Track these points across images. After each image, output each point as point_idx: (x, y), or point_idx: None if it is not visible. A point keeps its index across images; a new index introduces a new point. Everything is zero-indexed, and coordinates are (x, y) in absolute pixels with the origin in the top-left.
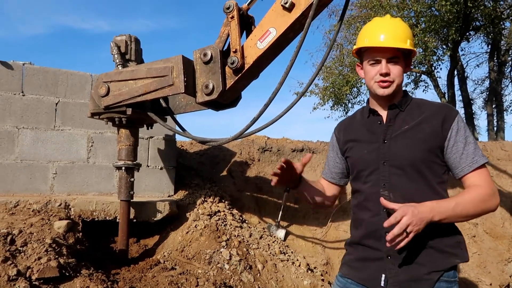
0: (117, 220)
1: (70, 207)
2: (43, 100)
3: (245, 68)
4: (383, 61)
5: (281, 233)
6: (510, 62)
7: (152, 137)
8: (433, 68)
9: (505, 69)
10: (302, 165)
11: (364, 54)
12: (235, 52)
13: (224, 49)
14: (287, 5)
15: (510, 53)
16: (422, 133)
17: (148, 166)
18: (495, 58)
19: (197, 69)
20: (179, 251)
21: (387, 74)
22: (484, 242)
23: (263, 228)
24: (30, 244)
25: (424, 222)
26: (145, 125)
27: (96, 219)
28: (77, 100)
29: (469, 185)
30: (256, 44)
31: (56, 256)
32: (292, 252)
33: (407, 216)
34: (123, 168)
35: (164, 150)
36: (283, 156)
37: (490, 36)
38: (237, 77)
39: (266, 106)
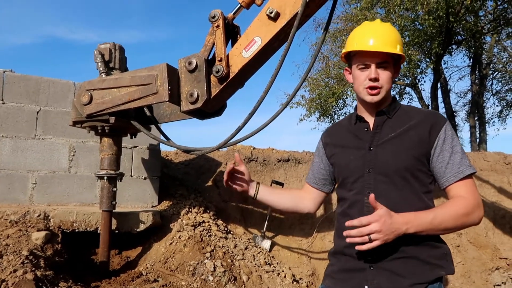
0: (99, 231)
1: (49, 217)
2: (23, 108)
3: (230, 77)
4: (372, 66)
5: (266, 243)
6: (491, 75)
7: (136, 146)
8: (417, 80)
9: (487, 82)
10: (239, 162)
11: (353, 58)
12: (220, 60)
13: (209, 58)
14: (272, 15)
15: (491, 66)
16: (409, 140)
17: (131, 176)
18: (476, 72)
19: (181, 78)
20: (162, 262)
21: (376, 79)
22: (468, 252)
23: (248, 239)
24: (5, 256)
25: (395, 233)
26: (128, 134)
27: (77, 230)
28: (59, 109)
29: (453, 196)
30: (242, 53)
31: (33, 269)
32: (277, 263)
33: (376, 224)
34: (105, 177)
35: (148, 160)
36: (269, 167)
37: (471, 50)
38: (222, 86)
39: (251, 114)
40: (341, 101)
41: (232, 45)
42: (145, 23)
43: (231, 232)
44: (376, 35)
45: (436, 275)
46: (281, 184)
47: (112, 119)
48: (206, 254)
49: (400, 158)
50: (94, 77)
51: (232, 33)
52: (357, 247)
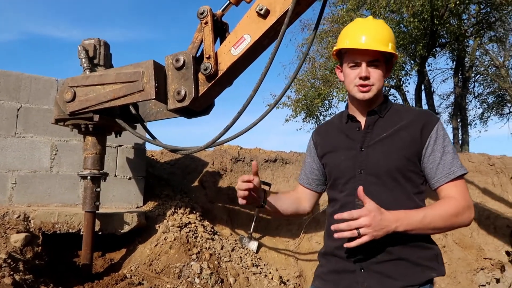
0: (81, 233)
1: (29, 219)
2: (3, 105)
3: (219, 75)
4: (363, 64)
5: (253, 245)
6: (473, 78)
7: (121, 145)
8: (401, 82)
9: (469, 85)
10: (254, 174)
11: (344, 56)
12: (208, 58)
13: (197, 55)
14: (262, 12)
15: (473, 69)
16: (401, 140)
17: (116, 176)
18: (459, 74)
19: (168, 75)
20: (147, 265)
21: (366, 78)
22: (454, 252)
23: (235, 240)
24: None
25: (384, 230)
26: (113, 133)
27: (58, 231)
28: (41, 106)
29: (444, 197)
30: (230, 51)
31: (11, 273)
32: (264, 265)
33: (366, 218)
34: (89, 177)
35: (133, 159)
36: None
37: (455, 53)
38: (210, 84)
39: (240, 113)
40: (326, 102)
41: (221, 43)
42: (132, 21)
43: (218, 233)
44: (368, 33)
45: (427, 277)
46: (269, 185)
47: (96, 117)
48: (192, 256)
49: (391, 159)
50: (78, 75)
51: (220, 30)
52: (346, 245)
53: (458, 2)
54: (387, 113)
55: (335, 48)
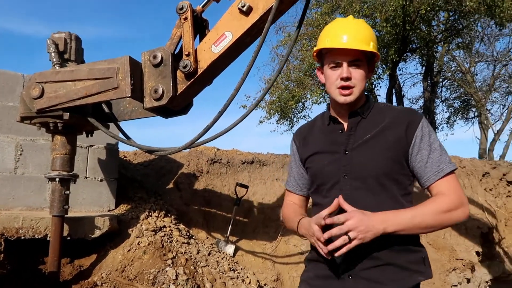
0: (48, 238)
1: None
2: None
3: (199, 73)
4: (344, 64)
5: (230, 248)
6: (441, 83)
7: (92, 145)
8: (373, 86)
9: (437, 89)
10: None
11: (325, 56)
12: (188, 55)
13: (175, 52)
14: (244, 9)
15: (441, 74)
16: (385, 141)
17: (86, 178)
18: (428, 79)
19: (145, 72)
20: (120, 271)
21: (348, 79)
22: (428, 254)
23: (212, 244)
24: None
25: (372, 232)
26: (84, 133)
27: (23, 237)
28: (5, 103)
29: (435, 195)
30: (211, 48)
31: None
32: (241, 269)
33: (353, 220)
34: (57, 179)
35: (105, 160)
36: (233, 169)
37: (424, 58)
38: (189, 82)
39: (221, 113)
40: (300, 104)
41: (200, 40)
42: (103, 18)
43: (194, 237)
44: (349, 32)
45: (415, 281)
46: (246, 187)
47: (66, 115)
48: (167, 261)
49: (377, 162)
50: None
51: (200, 27)
52: (337, 253)
53: (428, 8)
54: (369, 113)
55: (315, 48)
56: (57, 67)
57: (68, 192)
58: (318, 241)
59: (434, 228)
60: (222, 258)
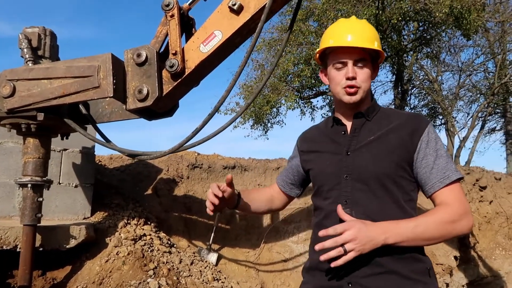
0: (18, 249)
1: None
2: None
3: (186, 73)
4: (350, 64)
5: (213, 257)
6: (411, 91)
7: (66, 149)
8: None
9: (407, 97)
10: (228, 185)
11: (328, 57)
12: (174, 54)
13: (160, 51)
14: (235, 7)
15: (411, 83)
16: (389, 144)
17: (60, 183)
18: (399, 87)
19: (128, 71)
20: (97, 284)
21: (353, 78)
22: None
23: (194, 253)
24: None
25: (371, 243)
26: (59, 135)
27: None
28: None
29: (439, 204)
30: (199, 48)
31: None
32: (225, 278)
33: (350, 231)
34: (29, 185)
35: (81, 165)
36: (214, 174)
37: (395, 67)
38: (176, 83)
39: (211, 116)
40: (274, 109)
41: (187, 39)
42: (69, 20)
43: (175, 246)
44: (353, 31)
45: None
46: None
47: (40, 116)
48: (149, 272)
49: (380, 163)
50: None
51: (187, 25)
52: (332, 264)
53: (400, 18)
54: (374, 116)
55: (318, 49)
56: (30, 64)
57: (41, 199)
58: (209, 199)
59: (437, 240)
60: (205, 267)
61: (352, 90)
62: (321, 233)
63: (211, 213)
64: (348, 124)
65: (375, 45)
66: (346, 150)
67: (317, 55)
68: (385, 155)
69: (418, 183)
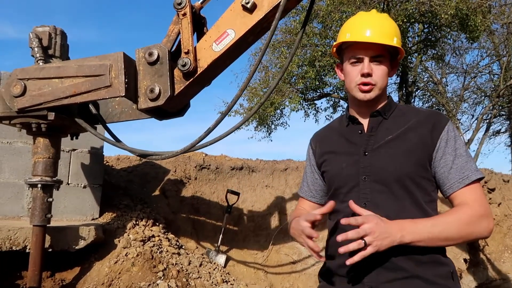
0: (28, 250)
1: None
2: None
3: (198, 72)
4: (366, 60)
5: (221, 258)
6: (415, 92)
7: (75, 149)
8: None
9: (411, 99)
10: (321, 215)
11: (345, 52)
12: (187, 53)
13: (172, 50)
14: (248, 6)
15: (415, 84)
16: (409, 143)
17: (68, 184)
18: (403, 89)
19: (139, 70)
20: (106, 285)
21: (369, 75)
22: None
23: (202, 254)
24: None
25: (388, 239)
26: (69, 135)
27: None
28: None
29: (458, 204)
30: (212, 46)
31: None
32: (234, 280)
33: (370, 224)
34: (39, 185)
35: (89, 165)
36: (222, 175)
37: (399, 68)
38: (188, 82)
39: (224, 115)
40: (278, 111)
41: (198, 38)
42: (71, 22)
43: (183, 247)
44: (372, 26)
45: None
46: (237, 194)
47: (51, 115)
48: (158, 274)
49: (400, 164)
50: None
51: (198, 24)
52: (348, 261)
53: (405, 20)
54: (391, 114)
55: (335, 43)
56: (41, 63)
57: (51, 199)
58: (307, 239)
59: (455, 241)
60: (214, 269)
61: (366, 88)
62: (343, 221)
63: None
64: (364, 123)
65: (394, 41)
66: (364, 150)
67: (334, 49)
68: (405, 154)
69: (436, 182)
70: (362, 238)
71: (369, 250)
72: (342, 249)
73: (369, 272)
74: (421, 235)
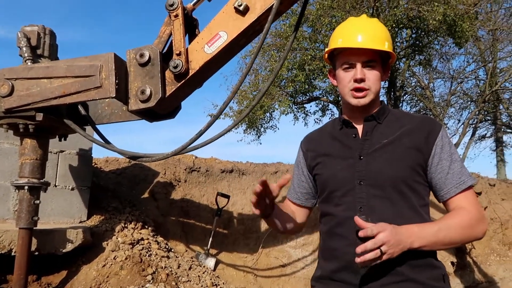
0: (13, 254)
1: None
2: None
3: (190, 74)
4: (358, 65)
5: (210, 262)
6: (403, 97)
7: (63, 151)
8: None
9: (399, 104)
10: (278, 187)
11: (337, 58)
12: (178, 55)
13: (163, 52)
14: (241, 8)
15: (403, 89)
16: (404, 148)
17: (56, 186)
18: (391, 93)
19: (130, 72)
20: None
21: (362, 80)
22: None
23: (191, 257)
24: None
25: (401, 246)
26: (57, 136)
27: None
28: None
29: (454, 209)
30: (203, 48)
31: None
32: (224, 283)
33: (385, 233)
34: (26, 187)
35: (77, 167)
36: (212, 177)
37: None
38: (179, 84)
39: (216, 117)
40: (268, 114)
41: (190, 40)
42: (60, 22)
43: (173, 250)
44: (363, 31)
45: None
46: (227, 197)
47: (39, 116)
48: (147, 277)
49: (395, 168)
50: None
51: (190, 26)
52: (361, 261)
53: (394, 25)
54: (385, 119)
55: (326, 49)
56: (29, 63)
57: (38, 201)
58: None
59: (456, 244)
60: (204, 273)
61: (360, 94)
62: (362, 233)
63: (257, 211)
64: (358, 127)
65: (386, 46)
66: (359, 154)
67: (326, 55)
68: (400, 159)
69: (431, 187)
70: (379, 247)
71: (383, 258)
72: (360, 260)
73: (365, 277)
74: (428, 240)
